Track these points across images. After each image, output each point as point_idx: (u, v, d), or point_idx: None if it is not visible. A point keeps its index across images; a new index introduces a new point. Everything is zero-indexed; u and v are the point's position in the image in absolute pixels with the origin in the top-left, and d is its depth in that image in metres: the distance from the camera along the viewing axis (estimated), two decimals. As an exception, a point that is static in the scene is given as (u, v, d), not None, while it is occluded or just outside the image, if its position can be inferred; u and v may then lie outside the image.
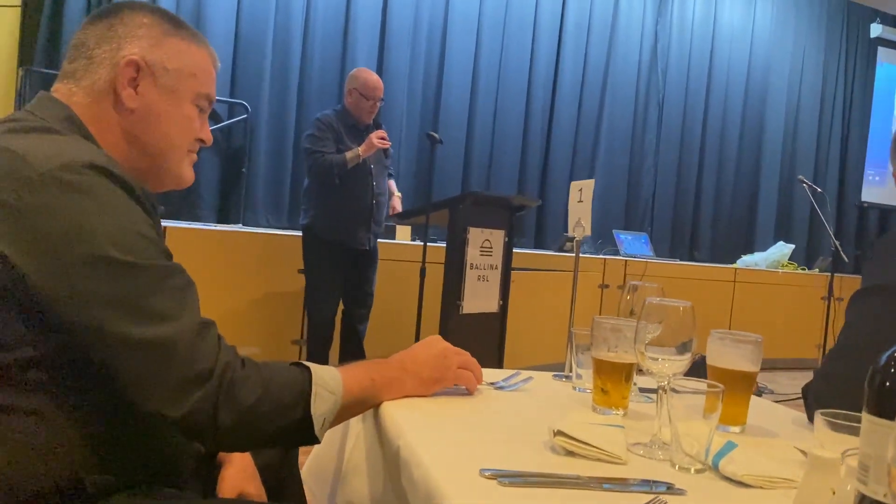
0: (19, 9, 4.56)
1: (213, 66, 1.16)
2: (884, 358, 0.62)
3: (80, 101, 1.04)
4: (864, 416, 0.62)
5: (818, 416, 0.84)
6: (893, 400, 0.60)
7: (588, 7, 6.52)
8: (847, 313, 1.17)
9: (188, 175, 1.15)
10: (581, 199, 1.60)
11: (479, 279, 3.44)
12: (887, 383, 0.61)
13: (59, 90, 1.05)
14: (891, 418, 0.59)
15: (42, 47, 4.53)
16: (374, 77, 3.79)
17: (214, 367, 0.91)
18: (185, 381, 0.89)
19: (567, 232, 5.86)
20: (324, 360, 3.90)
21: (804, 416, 1.24)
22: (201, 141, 1.15)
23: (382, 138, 3.65)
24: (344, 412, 1.05)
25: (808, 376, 1.26)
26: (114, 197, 0.90)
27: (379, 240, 3.98)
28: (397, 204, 4.16)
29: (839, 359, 1.14)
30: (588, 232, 1.60)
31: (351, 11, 5.47)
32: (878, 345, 1.01)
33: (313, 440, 1.00)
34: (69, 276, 0.85)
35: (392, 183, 4.15)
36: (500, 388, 1.29)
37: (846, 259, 5.43)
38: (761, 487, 0.87)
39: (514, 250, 3.78)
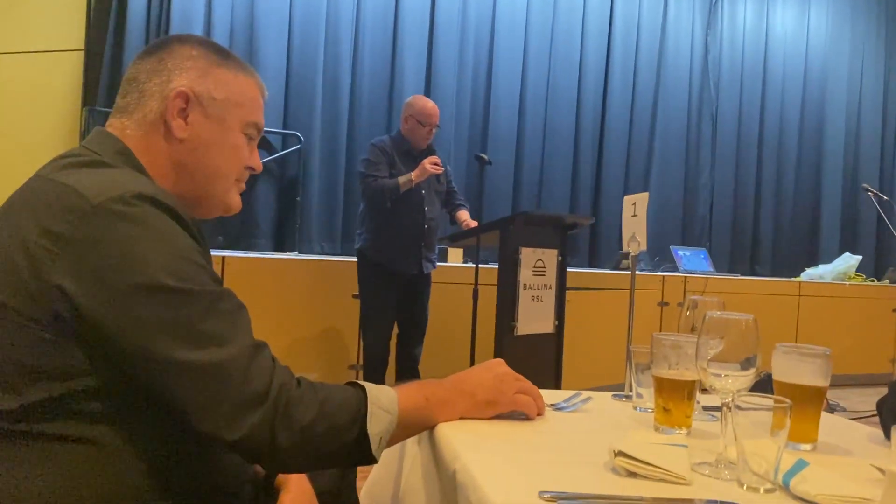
0: (83, 53, 4.78)
1: (260, 94, 1.18)
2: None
3: (133, 134, 1.07)
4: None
5: (895, 431, 0.79)
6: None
7: (636, 20, 6.47)
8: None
9: (235, 203, 1.17)
10: (635, 214, 1.57)
11: (532, 300, 3.40)
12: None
13: (113, 125, 1.08)
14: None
15: (104, 88, 4.73)
16: (431, 104, 3.84)
17: (270, 389, 0.92)
18: (241, 404, 0.90)
19: (622, 249, 5.79)
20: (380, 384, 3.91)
21: (880, 432, 1.18)
22: (251, 168, 1.18)
23: (435, 164, 3.68)
24: (400, 431, 1.04)
25: (880, 392, 1.20)
26: (164, 225, 0.92)
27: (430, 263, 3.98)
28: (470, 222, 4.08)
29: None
30: (644, 247, 1.57)
31: (398, 38, 5.56)
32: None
33: (371, 460, 1.00)
34: (124, 305, 0.87)
35: (464, 212, 4.10)
36: (560, 408, 1.27)
37: (918, 269, 5.20)
38: (837, 508, 0.83)
39: (569, 269, 3.73)
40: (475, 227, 3.49)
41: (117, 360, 0.89)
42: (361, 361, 4.13)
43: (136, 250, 0.88)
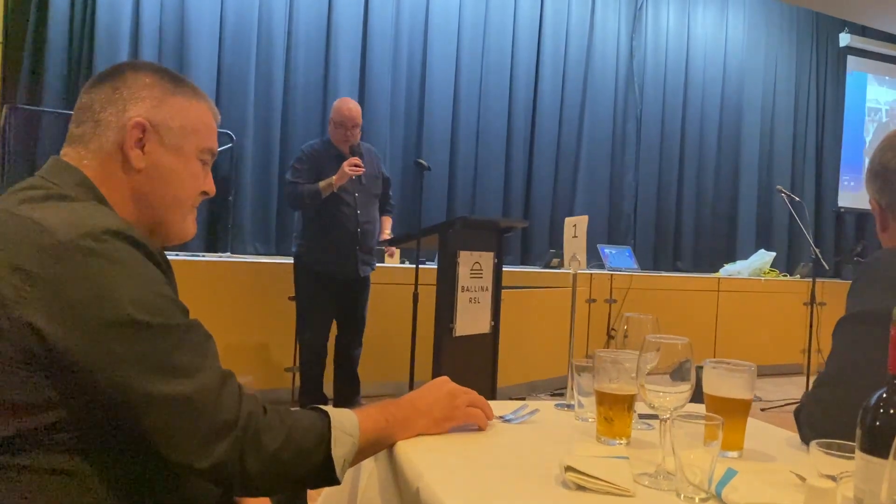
0: (0, 46, 4.57)
1: (214, 119, 1.20)
2: (874, 398, 0.68)
3: (90, 164, 1.07)
4: (858, 453, 0.68)
5: (814, 446, 0.89)
6: (885, 438, 0.65)
7: (564, 26, 6.64)
8: (833, 339, 1.23)
9: (191, 229, 1.19)
10: (576, 235, 1.65)
11: (470, 301, 3.48)
12: (878, 422, 0.66)
13: (69, 154, 1.08)
14: (882, 456, 0.64)
15: (25, 84, 4.55)
16: (348, 105, 3.85)
17: (238, 417, 0.95)
18: (211, 433, 0.93)
19: (552, 249, 5.96)
20: (317, 387, 3.93)
21: (797, 436, 1.29)
22: (205, 193, 1.19)
23: (356, 165, 3.70)
24: (361, 453, 1.10)
25: (793, 381, 1.31)
26: (133, 260, 0.94)
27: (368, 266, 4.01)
28: (387, 233, 4.20)
29: (828, 384, 1.20)
30: (583, 266, 1.65)
31: (332, 40, 5.54)
32: (864, 372, 1.08)
33: (334, 482, 1.05)
34: (97, 341, 0.89)
35: (387, 220, 4.17)
36: (508, 420, 1.34)
37: (826, 266, 5.54)
38: (763, 514, 0.92)
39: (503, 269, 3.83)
40: (416, 231, 3.55)
41: (90, 394, 0.91)
42: (297, 364, 4.12)
43: (107, 286, 0.90)
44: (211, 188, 1.20)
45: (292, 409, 1.06)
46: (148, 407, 0.91)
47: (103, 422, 0.93)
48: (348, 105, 3.85)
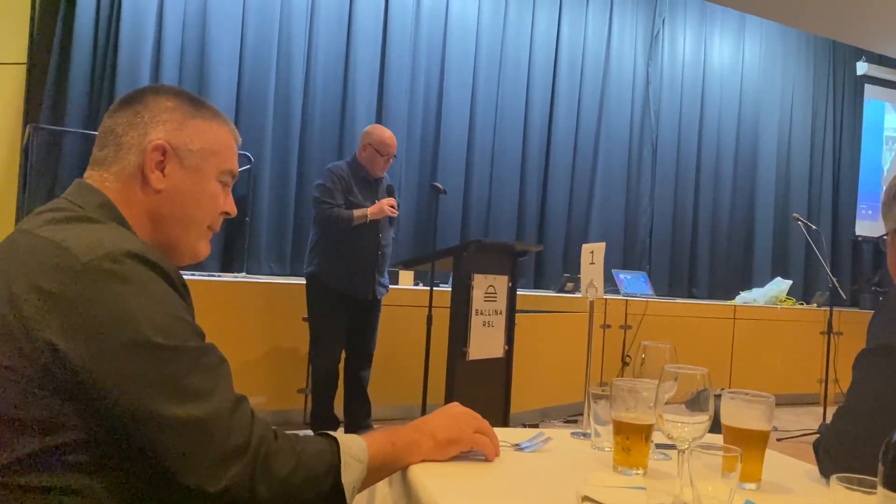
0: (25, 66, 4.66)
1: (234, 141, 1.22)
2: (896, 434, 0.67)
3: (112, 187, 1.09)
4: (880, 489, 0.67)
5: (835, 481, 0.88)
6: (908, 475, 0.65)
7: (580, 51, 6.69)
8: (854, 371, 1.22)
9: (204, 250, 1.20)
10: (593, 262, 1.65)
11: (484, 325, 3.48)
12: (901, 459, 0.66)
13: (92, 177, 1.11)
14: (906, 493, 0.64)
15: (48, 105, 4.63)
16: (389, 134, 3.91)
17: (250, 441, 0.96)
18: (223, 457, 0.94)
19: (566, 273, 5.95)
20: (328, 408, 3.92)
21: (816, 469, 1.27)
22: (226, 213, 1.21)
23: (393, 206, 3.78)
24: (369, 478, 1.09)
25: (810, 411, 1.30)
26: (152, 283, 0.95)
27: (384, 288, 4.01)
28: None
29: (847, 418, 1.18)
30: (601, 294, 1.65)
31: (350, 64, 5.61)
32: (886, 407, 1.07)
33: None
34: (113, 361, 0.90)
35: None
36: (522, 448, 1.33)
37: (843, 295, 5.49)
38: (783, 549, 0.91)
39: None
40: (431, 253, 3.56)
41: (105, 414, 0.92)
42: (310, 385, 4.12)
43: (126, 309, 0.91)
44: (232, 209, 1.22)
45: (301, 434, 1.07)
46: (161, 429, 0.92)
47: (117, 443, 0.94)
48: (389, 134, 3.91)
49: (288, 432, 1.03)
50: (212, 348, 1.00)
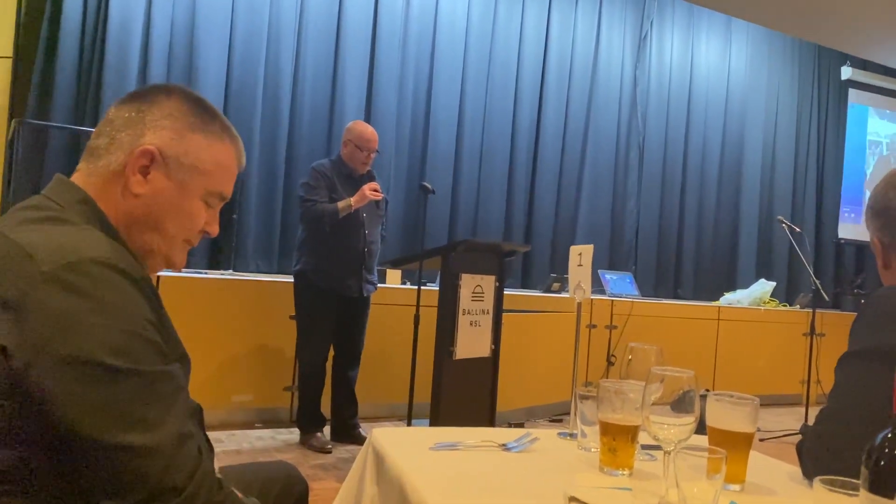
0: (10, 60, 4.61)
1: (235, 163, 1.17)
2: (879, 438, 0.69)
3: (95, 183, 1.07)
4: (863, 492, 0.68)
5: (818, 483, 0.90)
6: (890, 478, 0.66)
7: (569, 54, 6.71)
8: (836, 374, 1.24)
9: (179, 261, 1.15)
10: (581, 264, 1.67)
11: (471, 324, 3.49)
12: (883, 462, 0.67)
13: (81, 167, 1.08)
14: (888, 496, 0.65)
15: (34, 99, 4.58)
16: (370, 129, 3.91)
17: (188, 485, 0.90)
18: (154, 494, 0.88)
19: (553, 273, 5.97)
20: (315, 407, 3.92)
21: (799, 470, 1.30)
22: (206, 233, 1.17)
23: (375, 190, 3.76)
24: None
25: (792, 412, 1.32)
26: (114, 296, 0.91)
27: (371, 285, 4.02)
28: None
29: (830, 420, 1.21)
30: (588, 295, 1.67)
31: (339, 63, 5.59)
32: (867, 409, 1.09)
33: None
34: (57, 376, 0.85)
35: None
36: (510, 448, 1.34)
37: (826, 297, 5.56)
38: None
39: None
40: (419, 253, 3.57)
41: (41, 431, 0.87)
42: (297, 383, 4.12)
43: (78, 323, 0.87)
44: (213, 230, 1.17)
45: (247, 498, 1.04)
46: (96, 454, 0.87)
47: (51, 466, 0.89)
48: (371, 130, 3.92)
49: (238, 494, 0.98)
50: (170, 374, 0.94)
